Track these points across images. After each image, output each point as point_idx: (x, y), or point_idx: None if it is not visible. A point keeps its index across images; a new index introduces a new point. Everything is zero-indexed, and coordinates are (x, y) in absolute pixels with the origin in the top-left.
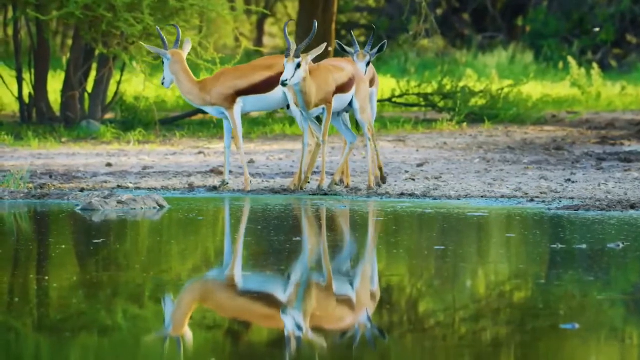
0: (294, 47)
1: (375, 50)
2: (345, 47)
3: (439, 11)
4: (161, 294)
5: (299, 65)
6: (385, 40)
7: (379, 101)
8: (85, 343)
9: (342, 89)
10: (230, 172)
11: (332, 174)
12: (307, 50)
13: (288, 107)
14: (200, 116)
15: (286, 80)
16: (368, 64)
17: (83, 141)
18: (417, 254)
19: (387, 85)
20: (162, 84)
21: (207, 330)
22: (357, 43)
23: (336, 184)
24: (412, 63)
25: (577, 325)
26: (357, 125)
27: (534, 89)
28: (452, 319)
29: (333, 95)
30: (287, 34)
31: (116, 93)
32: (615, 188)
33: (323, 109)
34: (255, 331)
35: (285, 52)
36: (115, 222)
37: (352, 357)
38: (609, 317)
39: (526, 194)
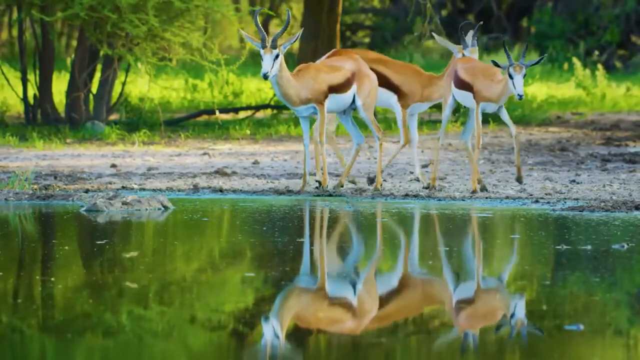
0: (269, 37)
1: (533, 62)
2: (498, 63)
3: (444, 12)
4: (166, 295)
5: (276, 56)
6: (546, 55)
7: None
8: (90, 344)
9: (336, 89)
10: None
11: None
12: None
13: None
14: (204, 117)
15: (267, 72)
16: (524, 76)
17: (88, 142)
18: (422, 254)
19: None
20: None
21: (211, 331)
22: (516, 55)
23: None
24: (417, 64)
25: (582, 327)
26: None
27: (538, 90)
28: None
29: (326, 96)
30: (258, 23)
31: (121, 94)
32: (620, 189)
33: (314, 107)
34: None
35: (260, 43)
36: (119, 223)
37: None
38: (613, 318)
39: (531, 195)
